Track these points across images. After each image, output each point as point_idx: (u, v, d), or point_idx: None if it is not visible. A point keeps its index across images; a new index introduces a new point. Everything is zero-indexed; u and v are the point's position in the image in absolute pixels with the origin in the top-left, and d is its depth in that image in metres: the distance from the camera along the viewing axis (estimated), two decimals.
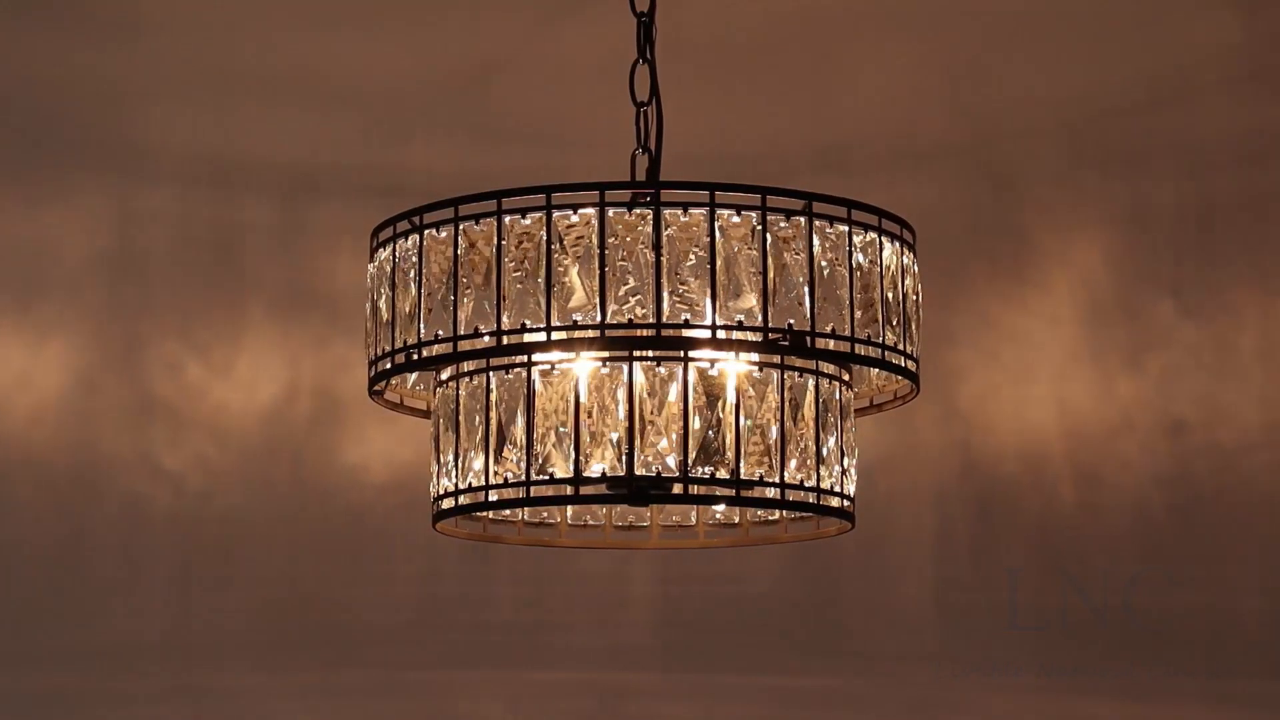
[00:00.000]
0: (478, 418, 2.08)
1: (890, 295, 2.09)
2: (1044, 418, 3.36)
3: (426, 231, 2.07)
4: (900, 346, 2.10)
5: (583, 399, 2.03)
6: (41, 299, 3.39)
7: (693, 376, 2.03)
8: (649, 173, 2.23)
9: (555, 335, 1.99)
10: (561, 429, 2.04)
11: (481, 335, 2.02)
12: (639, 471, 2.02)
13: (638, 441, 2.02)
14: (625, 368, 2.03)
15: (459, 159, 3.42)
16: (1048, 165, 3.41)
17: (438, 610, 3.36)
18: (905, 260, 2.12)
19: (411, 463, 3.35)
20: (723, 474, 2.03)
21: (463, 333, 2.03)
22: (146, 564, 3.34)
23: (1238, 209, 3.35)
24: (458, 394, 2.10)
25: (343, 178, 3.43)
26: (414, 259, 2.07)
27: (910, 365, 2.12)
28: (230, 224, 3.42)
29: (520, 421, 2.05)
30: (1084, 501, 3.33)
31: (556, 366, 2.04)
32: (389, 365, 2.11)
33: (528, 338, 2.00)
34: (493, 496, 2.09)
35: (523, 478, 2.05)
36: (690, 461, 2.02)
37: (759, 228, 2.01)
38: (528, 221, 2.01)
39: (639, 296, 2.00)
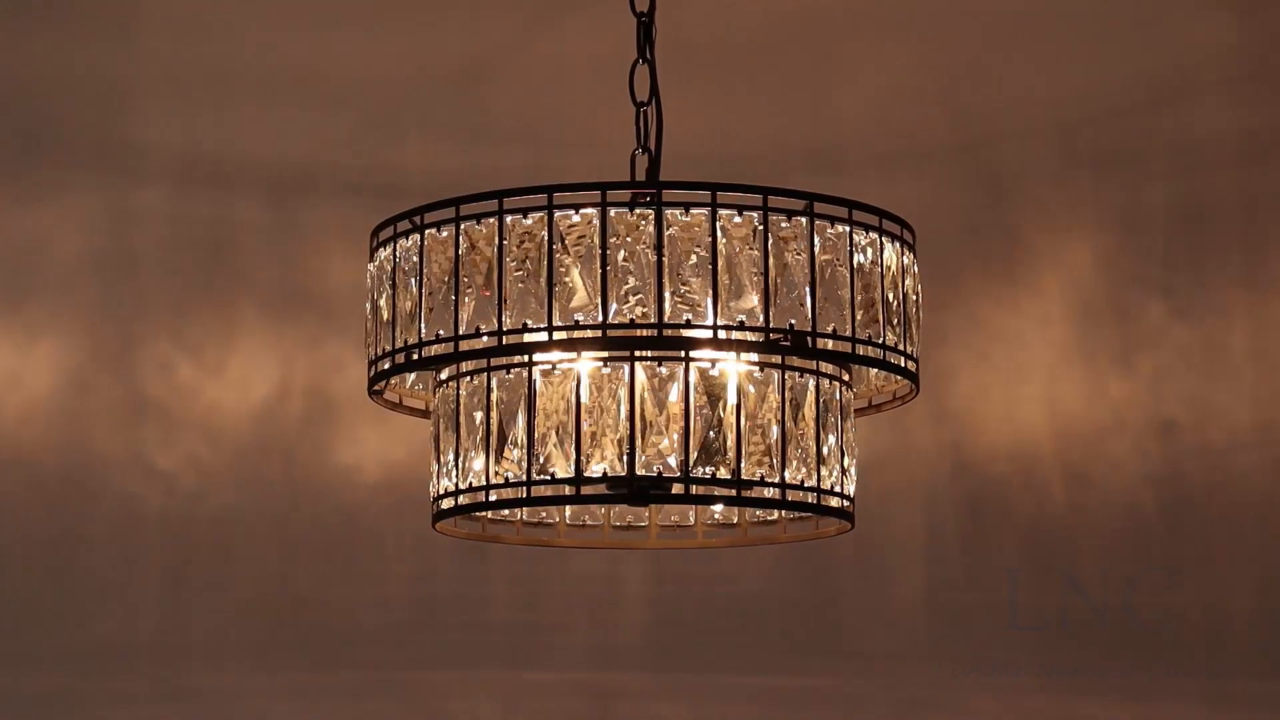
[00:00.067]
0: (478, 418, 2.08)
1: (891, 295, 2.09)
2: (1035, 418, 3.37)
3: (427, 231, 2.06)
4: (900, 347, 2.10)
5: (584, 399, 2.03)
6: (33, 298, 3.38)
7: (693, 376, 2.03)
8: (649, 173, 2.23)
9: (556, 335, 1.99)
10: (563, 429, 2.04)
11: (481, 335, 2.02)
12: (639, 472, 2.02)
13: (639, 441, 2.02)
14: (626, 368, 2.03)
15: (455, 159, 3.42)
16: (1039, 166, 3.41)
17: (431, 610, 3.36)
18: (905, 260, 2.12)
19: (404, 462, 3.35)
20: (723, 474, 2.03)
21: (464, 332, 2.03)
22: (139, 564, 3.34)
23: (1228, 210, 3.35)
24: (458, 394, 2.10)
25: (337, 177, 3.42)
26: (414, 258, 2.07)
27: (910, 365, 2.12)
28: (223, 223, 3.42)
29: (521, 421, 2.05)
30: (1075, 502, 3.34)
31: (557, 366, 2.04)
32: (389, 365, 2.10)
33: (529, 338, 2.00)
34: (492, 496, 2.08)
35: (523, 478, 2.05)
36: (691, 462, 2.02)
37: (760, 228, 2.01)
38: (529, 221, 2.01)
39: (640, 296, 2.01)
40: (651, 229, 2.00)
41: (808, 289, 2.02)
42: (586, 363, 2.04)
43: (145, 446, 3.36)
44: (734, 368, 2.05)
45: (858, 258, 2.06)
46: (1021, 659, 3.30)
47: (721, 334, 2.00)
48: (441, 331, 2.04)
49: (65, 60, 3.41)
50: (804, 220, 2.03)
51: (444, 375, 2.13)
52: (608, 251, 1.99)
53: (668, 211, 2.00)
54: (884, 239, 2.09)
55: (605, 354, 2.03)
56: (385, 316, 2.11)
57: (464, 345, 2.03)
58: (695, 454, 2.03)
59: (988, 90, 3.43)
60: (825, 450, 2.10)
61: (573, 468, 2.03)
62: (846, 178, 3.36)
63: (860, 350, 2.05)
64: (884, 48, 3.44)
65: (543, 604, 3.37)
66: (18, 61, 3.41)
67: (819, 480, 2.09)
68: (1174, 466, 3.32)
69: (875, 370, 2.18)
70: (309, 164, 3.43)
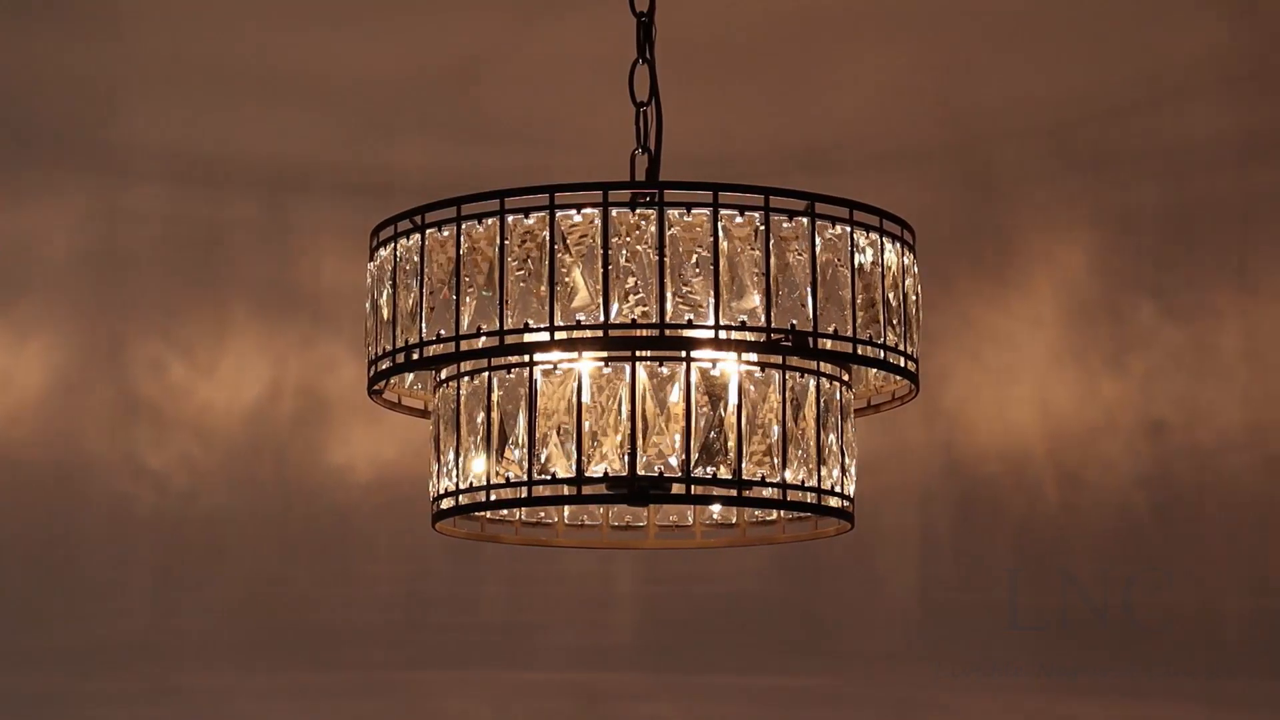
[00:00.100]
0: (479, 418, 2.08)
1: (891, 296, 2.09)
2: (1027, 418, 3.37)
3: (428, 231, 2.06)
4: (901, 347, 2.10)
5: (585, 399, 2.03)
6: (23, 297, 3.38)
7: (695, 376, 2.03)
8: (649, 173, 2.23)
9: (557, 335, 1.99)
10: (563, 429, 2.04)
11: (480, 335, 2.02)
12: (640, 472, 2.02)
13: (639, 441, 2.02)
14: (627, 368, 2.03)
15: (454, 159, 3.41)
16: (1031, 166, 3.42)
17: (423, 610, 3.36)
18: (906, 261, 2.13)
19: (397, 462, 3.34)
20: (724, 474, 2.03)
21: (464, 332, 2.03)
22: (131, 564, 3.33)
23: (1220, 211, 3.36)
24: (458, 394, 2.10)
25: (330, 176, 3.42)
26: (415, 258, 2.07)
27: (910, 366, 2.13)
28: (215, 222, 3.41)
29: (522, 421, 2.05)
30: (1067, 502, 3.34)
31: (558, 366, 2.04)
32: (389, 365, 2.10)
33: (530, 337, 2.00)
34: (493, 496, 2.08)
35: (524, 478, 2.05)
36: (692, 462, 2.02)
37: (762, 228, 2.01)
38: (530, 221, 2.01)
39: (641, 296, 2.01)
40: (653, 229, 2.00)
41: (809, 289, 2.02)
42: (588, 363, 2.04)
43: (137, 446, 3.35)
44: (735, 368, 2.05)
45: (858, 258, 2.07)
46: (1020, 659, 3.30)
47: (722, 334, 2.01)
48: (442, 331, 2.04)
49: (57, 58, 3.40)
50: (805, 220, 2.03)
51: (444, 375, 2.12)
52: (609, 251, 1.98)
53: (669, 211, 2.00)
54: (884, 239, 2.09)
55: (606, 354, 2.03)
56: (385, 316, 2.11)
57: (464, 345, 2.03)
58: (696, 454, 2.03)
59: (974, 92, 3.43)
60: (825, 450, 2.10)
61: (574, 468, 2.03)
62: (841, 177, 3.36)
63: (861, 350, 2.06)
64: (881, 48, 3.44)
65: (535, 604, 3.37)
66: (9, 59, 3.40)
67: (819, 480, 2.09)
68: (1165, 466, 3.33)
69: (874, 370, 2.19)
70: (302, 163, 3.42)
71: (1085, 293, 3.38)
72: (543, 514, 2.30)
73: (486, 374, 2.08)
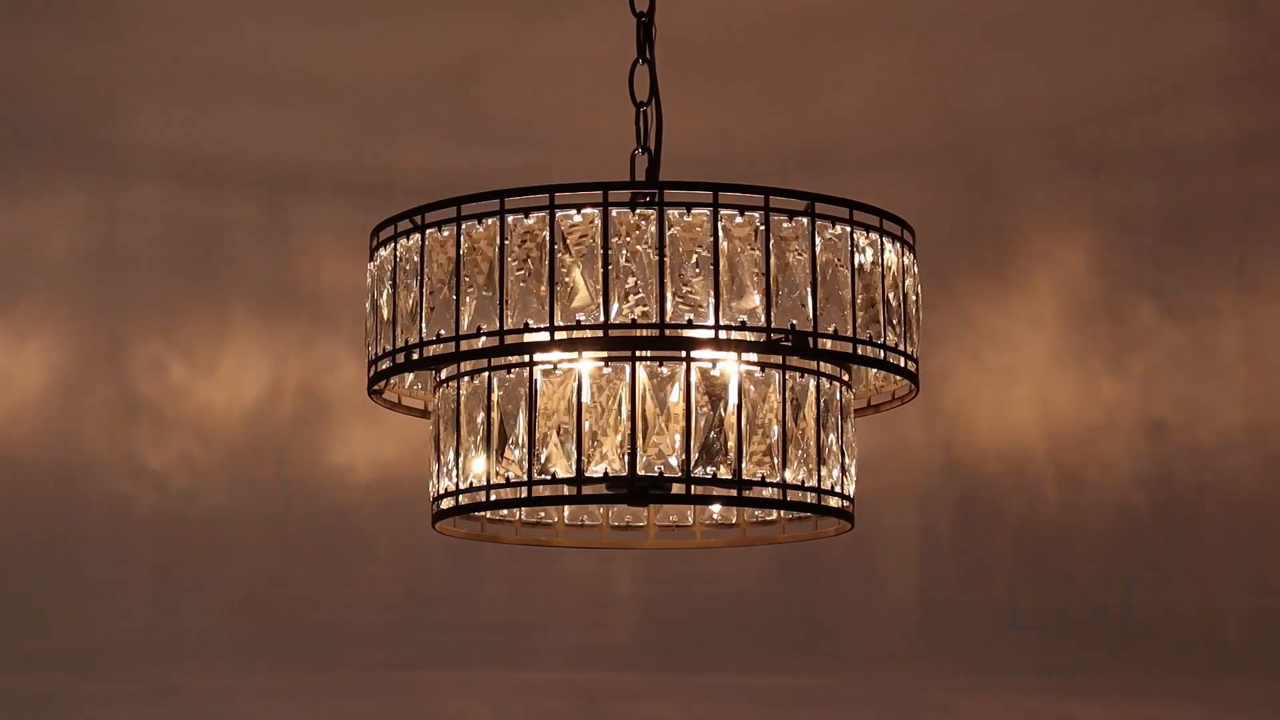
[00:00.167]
0: (479, 418, 2.08)
1: (891, 296, 2.09)
2: (1027, 418, 3.37)
3: (428, 231, 2.06)
4: (901, 347, 2.10)
5: (585, 399, 2.03)
6: (23, 297, 3.38)
7: (695, 376, 2.03)
8: (649, 173, 2.23)
9: (557, 335, 1.99)
10: (563, 429, 2.04)
11: (480, 335, 2.02)
12: (640, 472, 2.02)
13: (640, 441, 2.02)
14: (627, 368, 2.03)
15: (453, 159, 3.41)
16: (1031, 167, 3.42)
17: (423, 610, 3.36)
18: (906, 261, 2.13)
19: (397, 462, 3.34)
20: (724, 474, 2.03)
21: (464, 332, 2.03)
22: (131, 564, 3.33)
23: (1220, 211, 3.36)
24: (458, 394, 2.10)
25: (330, 177, 3.42)
26: (415, 258, 2.07)
27: (910, 366, 2.13)
28: (215, 222, 3.41)
29: (522, 421, 2.05)
30: (1067, 502, 3.34)
31: (558, 366, 2.04)
32: (389, 365, 2.10)
33: (530, 337, 2.00)
34: (493, 496, 2.08)
35: (524, 478, 2.05)
36: (692, 462, 2.02)
37: (762, 228, 2.01)
38: (531, 221, 2.01)
39: (641, 296, 2.01)
40: (653, 229, 2.00)
41: (809, 289, 2.02)
42: (588, 363, 2.04)
43: (137, 446, 3.35)
44: (735, 368, 2.05)
45: (858, 258, 2.07)
46: (1020, 659, 3.30)
47: (722, 334, 2.01)
48: (442, 331, 2.04)
49: (57, 58, 3.40)
50: (805, 220, 2.03)
51: (444, 375, 2.12)
52: (609, 251, 1.98)
53: (669, 211, 2.00)
54: (884, 239, 2.09)
55: (606, 354, 2.03)
56: (385, 316, 2.11)
57: (464, 345, 2.03)
58: (696, 454, 2.03)
59: (982, 91, 3.43)
60: (825, 450, 2.10)
61: (573, 468, 2.03)
62: (841, 177, 3.36)
63: (861, 351, 2.06)
64: (881, 48, 3.44)
65: (535, 604, 3.37)
66: (9, 59, 3.40)
67: (819, 480, 2.09)
68: (1165, 466, 3.33)
69: (874, 370, 2.19)
70: (302, 163, 3.42)
71: (1085, 293, 3.38)
72: (543, 514, 2.30)
73: (486, 374, 2.08)
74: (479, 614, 3.37)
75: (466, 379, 2.09)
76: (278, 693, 3.32)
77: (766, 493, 2.06)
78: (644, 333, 1.99)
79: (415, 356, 2.07)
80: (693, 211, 2.00)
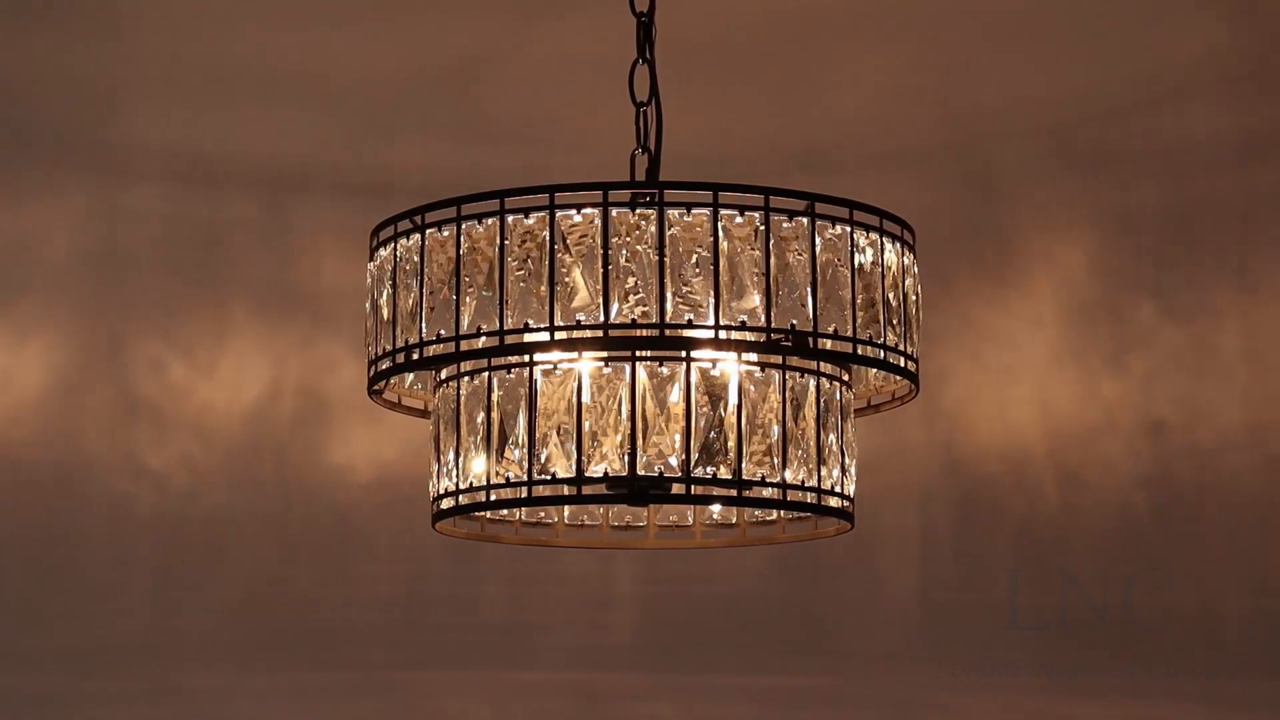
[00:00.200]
0: (479, 418, 2.08)
1: (891, 296, 2.09)
2: (1027, 418, 3.37)
3: (428, 231, 2.06)
4: (901, 347, 2.10)
5: (585, 399, 2.03)
6: (23, 297, 3.38)
7: (695, 376, 2.03)
8: (649, 173, 2.23)
9: (557, 335, 1.99)
10: (563, 429, 2.04)
11: (480, 335, 2.02)
12: (640, 472, 2.02)
13: (640, 441, 2.02)
14: (627, 368, 2.03)
15: (453, 159, 3.41)
16: (1031, 167, 3.42)
17: (424, 610, 3.36)
18: (906, 261, 2.13)
19: (397, 462, 3.34)
20: (724, 474, 2.03)
21: (464, 332, 2.03)
22: (131, 564, 3.33)
23: (1220, 211, 3.36)
24: (458, 394, 2.10)
25: (330, 177, 3.42)
26: (415, 258, 2.07)
27: (910, 366, 2.13)
28: (215, 222, 3.41)
29: (522, 421, 2.05)
30: (1067, 502, 3.34)
31: (558, 366, 2.04)
32: (389, 365, 2.10)
33: (530, 337, 2.00)
34: (493, 496, 2.08)
35: (524, 478, 2.05)
36: (692, 462, 2.02)
37: (762, 228, 2.01)
38: (530, 221, 2.01)
39: (641, 296, 2.01)
40: (653, 229, 2.00)
41: (809, 289, 2.02)
42: (588, 363, 2.04)
43: (137, 446, 3.35)
44: (735, 368, 2.05)
45: (858, 258, 2.07)
46: (1020, 659, 3.30)
47: (722, 334, 2.01)
48: (442, 331, 2.04)
49: (57, 58, 3.40)
50: (805, 220, 2.03)
51: (444, 375, 2.13)
52: (609, 251, 1.98)
53: (669, 211, 2.00)
54: (884, 239, 2.09)
55: (606, 354, 2.03)
56: (385, 316, 2.11)
57: (464, 345, 2.03)
58: (696, 454, 2.03)
59: (982, 91, 3.43)
60: (825, 450, 2.10)
61: (574, 468, 2.03)
62: (841, 177, 3.36)
63: (861, 351, 2.06)
64: (881, 48, 3.44)
65: (535, 604, 3.37)
66: (9, 59, 3.40)
67: (819, 480, 2.09)
68: (1165, 466, 3.33)
69: (874, 370, 2.19)
70: (302, 163, 3.42)
71: (1085, 293, 3.38)
72: (543, 514, 2.30)
73: (486, 374, 2.08)
74: (479, 614, 3.37)
75: (466, 379, 2.09)
76: (278, 693, 3.32)
77: (766, 493, 2.06)
78: (644, 333, 1.99)
79: (415, 356, 2.07)
80: (693, 211, 2.00)
